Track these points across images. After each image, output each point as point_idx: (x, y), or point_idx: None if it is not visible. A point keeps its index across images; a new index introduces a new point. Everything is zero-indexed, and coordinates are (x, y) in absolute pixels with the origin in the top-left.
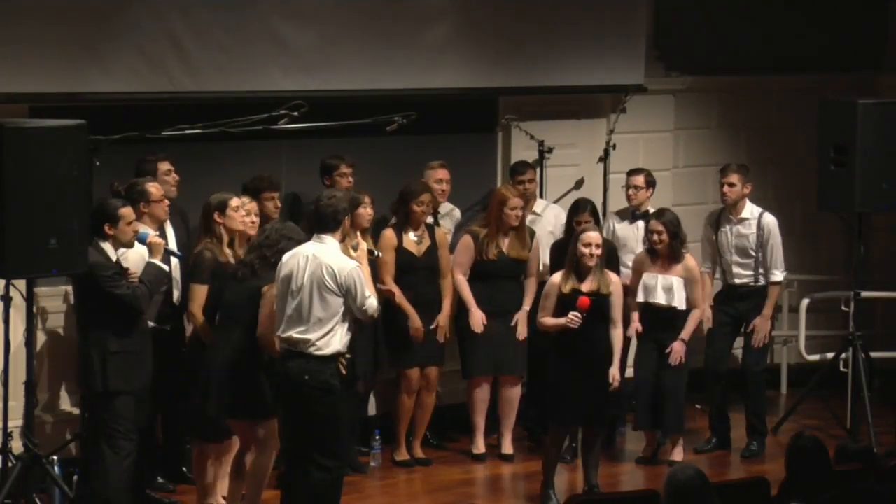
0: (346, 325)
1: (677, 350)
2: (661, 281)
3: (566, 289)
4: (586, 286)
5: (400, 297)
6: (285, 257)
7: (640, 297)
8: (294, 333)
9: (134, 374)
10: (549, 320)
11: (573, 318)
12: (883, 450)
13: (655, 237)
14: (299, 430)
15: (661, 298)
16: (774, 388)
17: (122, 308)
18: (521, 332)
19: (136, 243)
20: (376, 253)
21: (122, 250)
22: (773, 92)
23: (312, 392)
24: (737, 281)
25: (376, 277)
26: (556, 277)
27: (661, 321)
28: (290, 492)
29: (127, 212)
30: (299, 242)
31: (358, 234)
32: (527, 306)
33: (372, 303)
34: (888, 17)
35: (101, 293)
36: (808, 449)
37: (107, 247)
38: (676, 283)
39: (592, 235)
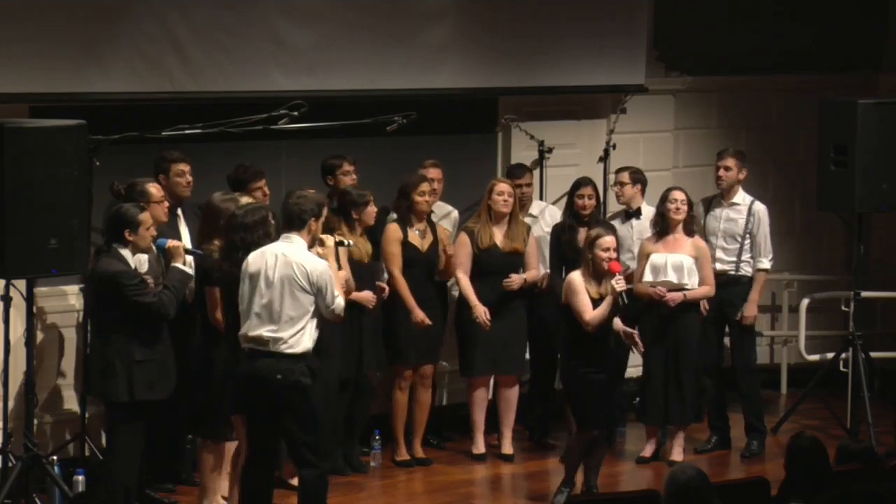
0: (314, 324)
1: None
2: (672, 260)
3: (594, 294)
4: (603, 289)
5: (404, 289)
6: (251, 256)
7: (648, 277)
8: (265, 332)
9: (160, 382)
10: (597, 312)
11: (619, 281)
12: (883, 450)
13: (678, 205)
14: (268, 430)
15: (672, 278)
16: (774, 388)
17: (148, 316)
18: (516, 279)
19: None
20: (346, 242)
21: (138, 255)
22: (773, 92)
23: (285, 392)
24: (718, 266)
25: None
26: (579, 276)
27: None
28: (252, 490)
29: (146, 217)
30: (262, 223)
31: (320, 229)
32: (526, 276)
33: (340, 303)
34: (888, 17)
35: (124, 301)
36: (807, 449)
37: (126, 253)
38: (687, 262)
39: (609, 240)
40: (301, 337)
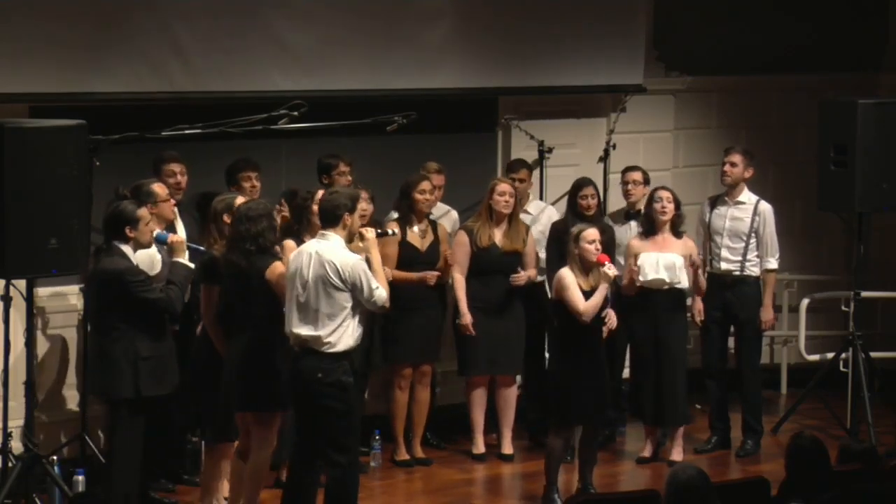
0: (356, 321)
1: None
2: (663, 259)
3: (585, 287)
4: (594, 280)
5: (401, 275)
6: (292, 255)
7: (639, 279)
8: (303, 331)
9: (166, 378)
10: (591, 302)
11: (611, 268)
12: (883, 450)
13: (663, 204)
14: (312, 429)
15: (664, 276)
16: (774, 388)
17: (155, 312)
18: (523, 276)
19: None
20: (391, 231)
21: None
22: (773, 92)
23: (326, 390)
24: (723, 266)
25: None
26: (568, 272)
27: (660, 303)
28: (298, 492)
29: (144, 213)
30: (267, 215)
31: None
32: (526, 273)
33: (381, 294)
34: (888, 17)
35: (129, 298)
36: (808, 449)
37: (127, 250)
38: (679, 261)
39: (593, 233)
40: (342, 335)
